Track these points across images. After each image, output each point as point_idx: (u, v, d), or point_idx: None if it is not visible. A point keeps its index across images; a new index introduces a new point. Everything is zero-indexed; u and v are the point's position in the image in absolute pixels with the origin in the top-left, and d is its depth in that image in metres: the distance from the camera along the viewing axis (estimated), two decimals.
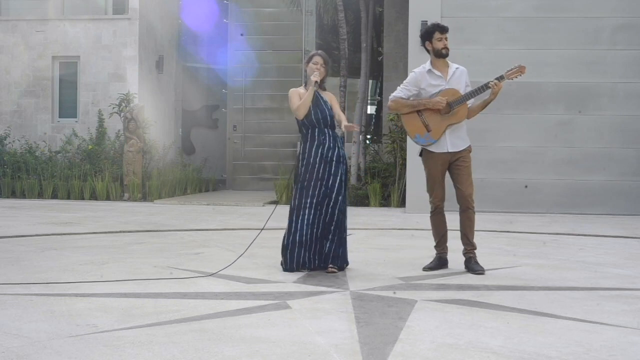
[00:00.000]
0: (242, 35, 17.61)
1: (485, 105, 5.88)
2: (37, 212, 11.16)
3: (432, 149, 5.84)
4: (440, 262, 5.92)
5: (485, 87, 5.71)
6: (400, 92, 5.93)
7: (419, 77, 5.88)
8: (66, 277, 5.38)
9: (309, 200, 5.71)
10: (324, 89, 6.01)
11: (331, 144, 5.79)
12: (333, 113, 5.89)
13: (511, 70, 5.76)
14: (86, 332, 3.74)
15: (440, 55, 5.85)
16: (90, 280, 5.26)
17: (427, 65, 5.91)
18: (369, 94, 17.29)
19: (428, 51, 5.93)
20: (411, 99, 5.88)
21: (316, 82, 5.79)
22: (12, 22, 15.64)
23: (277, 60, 17.54)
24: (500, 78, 5.71)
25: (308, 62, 5.95)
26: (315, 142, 5.81)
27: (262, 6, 17.71)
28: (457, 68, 5.92)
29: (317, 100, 5.87)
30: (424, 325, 3.98)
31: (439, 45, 5.82)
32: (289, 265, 5.73)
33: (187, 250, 6.98)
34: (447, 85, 5.81)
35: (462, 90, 5.82)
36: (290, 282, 5.34)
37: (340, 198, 5.72)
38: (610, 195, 11.69)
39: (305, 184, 5.75)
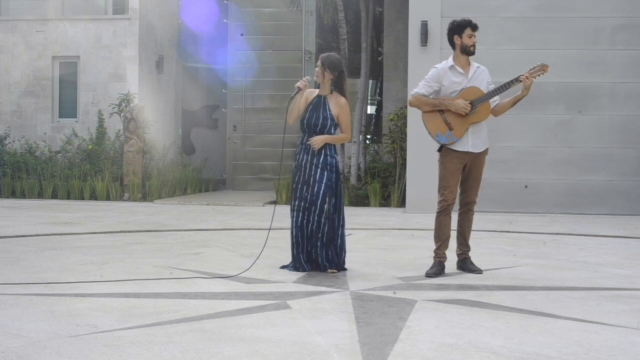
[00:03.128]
0: (242, 35, 17.60)
1: (516, 101, 5.70)
2: (37, 212, 11.16)
3: (454, 147, 5.68)
4: (440, 267, 5.73)
5: (512, 82, 5.56)
6: (422, 88, 5.74)
7: (440, 73, 5.72)
8: (66, 277, 5.38)
9: (297, 203, 5.75)
10: (331, 92, 5.83)
11: (317, 150, 5.75)
12: (336, 122, 5.81)
13: (533, 69, 5.57)
14: (86, 332, 3.74)
15: (467, 52, 5.69)
16: (90, 280, 5.26)
17: (450, 61, 5.75)
18: (369, 94, 17.28)
19: (453, 46, 5.75)
20: (431, 96, 5.72)
21: (299, 88, 5.72)
22: (12, 22, 15.62)
23: (277, 60, 17.52)
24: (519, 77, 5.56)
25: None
26: (302, 146, 5.82)
27: (262, 6, 17.69)
28: (478, 67, 5.78)
29: (318, 106, 5.81)
30: (424, 325, 3.98)
31: (468, 41, 5.68)
32: (294, 264, 5.75)
33: (187, 250, 6.98)
34: (469, 83, 5.67)
35: (484, 89, 5.67)
36: (290, 282, 5.34)
37: (325, 206, 5.65)
38: (610, 195, 11.68)
39: (299, 186, 5.77)
